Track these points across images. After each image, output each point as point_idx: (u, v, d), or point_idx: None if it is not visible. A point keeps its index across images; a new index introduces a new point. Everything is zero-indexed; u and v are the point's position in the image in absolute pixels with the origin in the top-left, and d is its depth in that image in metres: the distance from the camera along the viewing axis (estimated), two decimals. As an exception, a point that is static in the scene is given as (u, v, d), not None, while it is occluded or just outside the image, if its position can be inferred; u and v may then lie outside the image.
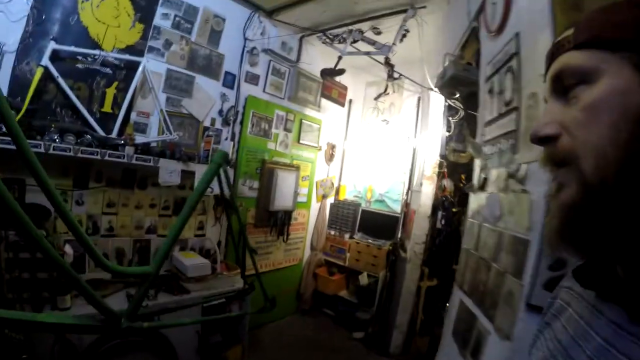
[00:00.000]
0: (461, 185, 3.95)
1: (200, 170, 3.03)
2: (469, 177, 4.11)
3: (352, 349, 4.09)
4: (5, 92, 2.24)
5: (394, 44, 3.35)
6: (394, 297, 4.10)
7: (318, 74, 4.25)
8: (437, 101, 3.74)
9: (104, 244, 2.82)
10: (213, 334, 2.91)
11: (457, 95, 3.09)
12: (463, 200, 4.04)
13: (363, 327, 4.32)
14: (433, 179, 3.89)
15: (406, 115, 4.66)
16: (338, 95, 4.28)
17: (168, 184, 2.85)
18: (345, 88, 4.42)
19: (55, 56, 2.38)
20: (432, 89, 3.56)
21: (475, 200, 1.97)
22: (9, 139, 1.92)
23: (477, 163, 2.04)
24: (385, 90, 3.57)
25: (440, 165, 3.86)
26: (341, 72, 3.68)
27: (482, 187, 1.87)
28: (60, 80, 2.40)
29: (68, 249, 2.35)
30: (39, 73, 2.29)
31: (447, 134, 3.84)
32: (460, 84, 2.72)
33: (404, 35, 3.30)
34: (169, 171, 2.82)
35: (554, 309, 0.61)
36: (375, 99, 4.23)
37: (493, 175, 1.73)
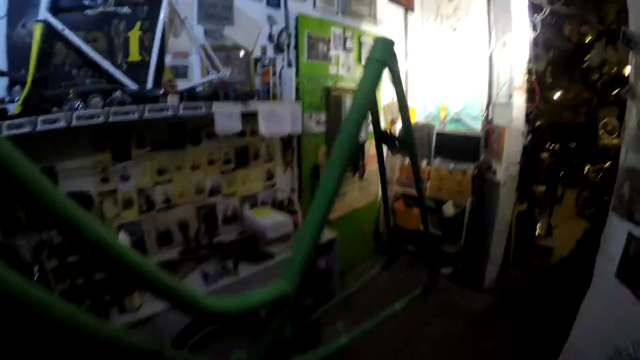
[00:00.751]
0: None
1: (264, 109, 2.54)
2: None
3: (442, 286, 3.72)
4: (3, 66, 1.76)
5: None
6: (486, 226, 3.67)
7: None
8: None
9: (163, 220, 2.43)
10: (304, 298, 2.59)
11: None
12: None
13: (450, 262, 3.97)
14: (524, 88, 3.34)
15: (475, 19, 3.89)
16: (405, -2, 3.56)
17: (228, 132, 2.37)
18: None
19: (55, 6, 1.83)
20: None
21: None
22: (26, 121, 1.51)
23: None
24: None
25: (530, 72, 3.33)
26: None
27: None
28: (68, 34, 1.85)
29: (123, 235, 2.01)
30: (38, 30, 1.73)
31: (534, 34, 3.31)
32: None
33: None
34: (227, 116, 2.32)
35: None
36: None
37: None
